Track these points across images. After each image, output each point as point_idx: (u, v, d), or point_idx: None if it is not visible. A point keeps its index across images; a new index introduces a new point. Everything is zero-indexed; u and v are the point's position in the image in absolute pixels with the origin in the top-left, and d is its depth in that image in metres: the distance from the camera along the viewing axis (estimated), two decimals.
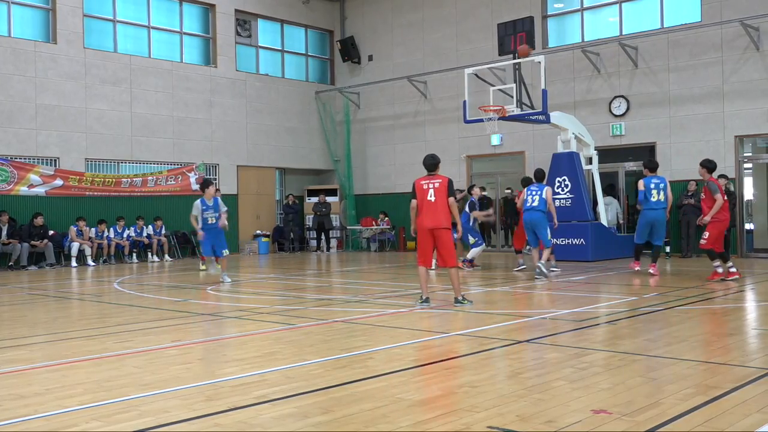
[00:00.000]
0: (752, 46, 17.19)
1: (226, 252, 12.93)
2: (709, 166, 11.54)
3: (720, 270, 11.29)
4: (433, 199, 8.99)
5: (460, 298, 9.10)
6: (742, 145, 17.80)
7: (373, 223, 23.62)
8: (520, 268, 14.39)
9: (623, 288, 11.32)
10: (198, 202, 12.86)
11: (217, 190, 17.47)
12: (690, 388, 4.74)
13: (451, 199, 9.04)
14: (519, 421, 4.07)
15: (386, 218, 23.18)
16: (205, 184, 13.09)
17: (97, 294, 12.00)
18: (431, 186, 9.04)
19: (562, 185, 16.97)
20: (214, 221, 12.73)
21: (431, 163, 9.19)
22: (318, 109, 24.82)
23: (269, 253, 22.51)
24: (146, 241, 19.89)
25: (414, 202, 9.14)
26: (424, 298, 9.18)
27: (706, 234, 11.27)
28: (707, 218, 11.30)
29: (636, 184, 20.40)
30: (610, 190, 19.58)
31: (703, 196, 11.55)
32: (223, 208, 12.98)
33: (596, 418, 4.09)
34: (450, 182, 9.12)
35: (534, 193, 12.88)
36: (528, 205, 12.84)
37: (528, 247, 13.75)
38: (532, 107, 16.79)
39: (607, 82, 19.51)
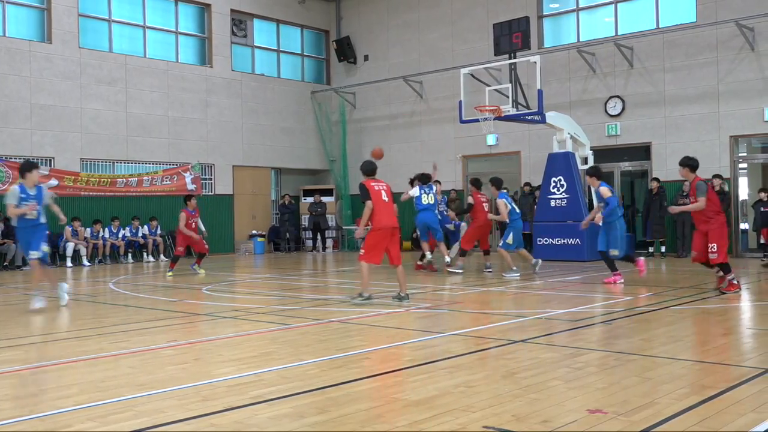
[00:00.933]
0: (747, 46, 17.23)
1: (35, 254, 9.80)
2: (690, 164, 10.21)
3: (735, 282, 10.07)
4: (387, 199, 9.60)
5: (404, 294, 9.41)
6: (737, 145, 17.84)
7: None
8: (458, 270, 13.63)
9: (618, 288, 11.32)
10: (17, 187, 9.82)
11: (192, 196, 15.41)
12: (685, 388, 4.75)
13: (395, 205, 9.81)
14: (515, 421, 4.08)
15: None
16: (26, 166, 9.88)
17: (93, 294, 11.97)
18: (381, 188, 9.69)
19: (558, 185, 16.98)
20: (36, 216, 9.86)
21: (373, 168, 9.93)
22: (314, 109, 24.81)
23: (265, 253, 22.50)
24: (142, 241, 19.87)
25: (369, 203, 9.49)
26: (366, 295, 9.34)
27: (714, 246, 9.89)
28: (676, 209, 10.82)
29: (632, 185, 20.58)
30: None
31: (691, 198, 10.36)
32: (48, 198, 10.14)
33: (592, 418, 4.10)
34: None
35: (511, 201, 13.64)
36: (518, 213, 13.56)
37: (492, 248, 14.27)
38: (527, 107, 16.82)
39: (603, 82, 19.53)
